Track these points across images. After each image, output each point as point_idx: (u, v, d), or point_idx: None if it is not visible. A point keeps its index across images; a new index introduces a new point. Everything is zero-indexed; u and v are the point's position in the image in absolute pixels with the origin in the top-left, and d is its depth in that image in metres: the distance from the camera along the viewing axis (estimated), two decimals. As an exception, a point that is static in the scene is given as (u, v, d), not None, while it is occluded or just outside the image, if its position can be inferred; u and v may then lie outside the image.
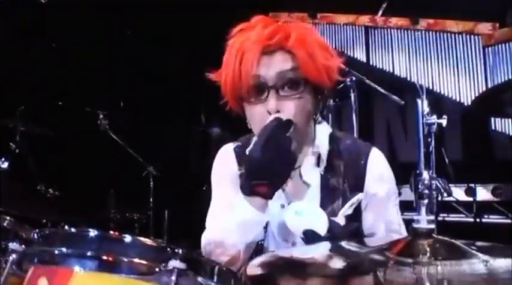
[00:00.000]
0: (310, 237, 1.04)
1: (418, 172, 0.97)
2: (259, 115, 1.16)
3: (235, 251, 1.14)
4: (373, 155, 1.28)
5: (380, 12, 2.84)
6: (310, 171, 1.25)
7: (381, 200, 1.26)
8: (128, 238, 1.06)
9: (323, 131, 1.29)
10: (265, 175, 1.09)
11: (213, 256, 1.17)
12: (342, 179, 1.24)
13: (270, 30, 1.14)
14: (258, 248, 1.19)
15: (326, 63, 1.16)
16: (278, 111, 1.13)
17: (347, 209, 1.12)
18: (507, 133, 2.74)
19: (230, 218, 1.15)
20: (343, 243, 0.95)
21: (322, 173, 1.24)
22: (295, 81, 1.15)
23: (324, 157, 1.25)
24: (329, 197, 1.22)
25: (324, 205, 1.20)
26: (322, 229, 1.06)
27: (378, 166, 1.28)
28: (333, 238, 1.05)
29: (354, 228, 1.13)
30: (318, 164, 1.25)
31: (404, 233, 1.26)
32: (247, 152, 1.12)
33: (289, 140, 1.10)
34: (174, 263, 1.02)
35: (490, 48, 2.79)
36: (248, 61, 1.13)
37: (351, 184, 1.23)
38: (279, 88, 1.15)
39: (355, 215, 1.21)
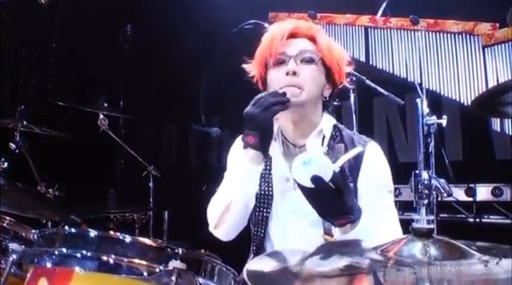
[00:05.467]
0: (317, 183, 1.09)
1: (418, 172, 0.97)
2: (278, 77, 1.38)
3: (229, 200, 1.35)
4: (371, 145, 1.42)
5: (380, 13, 2.84)
6: (314, 149, 1.38)
7: (375, 186, 1.34)
8: (127, 239, 1.06)
9: (328, 119, 1.48)
10: (252, 127, 1.29)
11: (213, 215, 1.38)
12: None
13: (298, 22, 1.44)
14: (262, 220, 1.40)
15: (340, 60, 1.43)
16: (295, 73, 1.35)
17: (344, 161, 1.16)
18: (507, 133, 2.74)
19: (230, 174, 1.41)
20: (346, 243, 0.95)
21: (325, 152, 1.37)
22: (312, 59, 1.39)
23: (327, 137, 1.41)
24: None
25: None
26: (328, 175, 1.10)
27: (374, 154, 1.41)
28: (335, 188, 1.11)
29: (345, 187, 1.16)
30: (322, 144, 1.40)
31: (397, 224, 1.35)
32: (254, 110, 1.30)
33: (272, 101, 1.29)
34: (174, 264, 1.03)
35: (490, 48, 2.79)
36: (277, 39, 1.38)
37: (350, 164, 1.34)
38: (298, 59, 1.37)
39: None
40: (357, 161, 1.36)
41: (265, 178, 1.42)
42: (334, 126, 1.46)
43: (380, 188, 1.36)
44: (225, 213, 1.37)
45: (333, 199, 1.11)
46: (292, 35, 1.39)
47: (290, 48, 1.38)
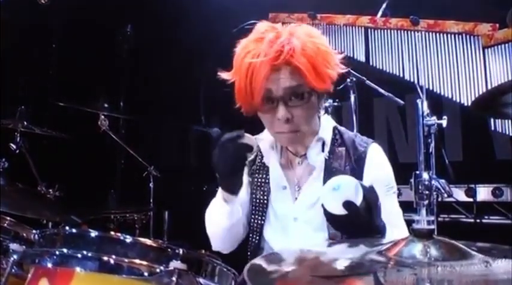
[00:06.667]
0: (349, 208, 1.08)
1: (418, 172, 0.97)
2: (271, 122, 1.32)
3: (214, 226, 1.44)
4: (373, 146, 1.41)
5: (380, 13, 2.84)
6: (315, 156, 1.39)
7: (380, 188, 1.30)
8: (128, 239, 1.06)
9: (327, 122, 1.45)
10: (217, 172, 1.33)
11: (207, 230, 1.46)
12: (343, 162, 1.38)
13: (276, 49, 1.23)
14: (256, 227, 1.43)
15: (328, 72, 1.28)
16: (288, 119, 1.27)
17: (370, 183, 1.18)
18: (507, 133, 2.74)
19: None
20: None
21: (326, 158, 1.38)
22: (301, 93, 1.27)
23: (328, 143, 1.40)
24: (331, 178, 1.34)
25: None
26: (359, 198, 1.09)
27: (377, 156, 1.40)
28: (367, 209, 1.11)
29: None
30: (322, 150, 1.39)
31: (403, 224, 1.36)
32: (213, 160, 1.33)
33: (237, 157, 1.30)
34: (175, 264, 1.03)
35: (490, 49, 2.79)
36: (258, 80, 1.23)
37: (351, 167, 1.36)
38: (287, 100, 1.27)
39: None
40: (359, 163, 1.36)
41: (261, 186, 1.44)
42: (334, 129, 1.44)
43: (385, 190, 1.35)
44: (213, 238, 1.47)
45: (364, 222, 1.11)
46: (273, 67, 1.23)
47: (273, 84, 1.25)
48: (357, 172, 1.35)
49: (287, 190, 1.41)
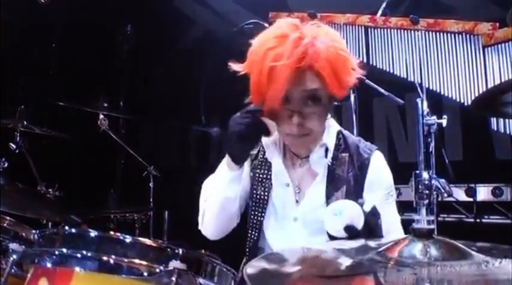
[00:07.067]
0: (350, 233, 1.10)
1: (418, 172, 0.97)
2: (282, 121, 1.30)
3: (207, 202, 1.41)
4: (376, 153, 1.41)
5: (380, 12, 2.83)
6: (318, 161, 1.38)
7: (380, 195, 1.35)
8: (128, 239, 1.06)
9: (332, 127, 1.43)
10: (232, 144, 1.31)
11: (199, 213, 1.43)
12: (346, 169, 1.37)
13: (300, 51, 1.20)
14: (256, 223, 1.42)
15: (347, 79, 1.26)
16: (301, 124, 1.27)
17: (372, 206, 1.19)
18: (507, 133, 2.73)
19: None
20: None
21: (329, 163, 1.37)
22: (319, 98, 1.26)
23: (331, 149, 1.38)
24: (333, 185, 1.36)
25: (328, 192, 1.35)
26: (360, 222, 1.12)
27: (379, 163, 1.40)
28: (368, 230, 1.13)
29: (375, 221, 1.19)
30: (325, 156, 1.38)
31: (401, 231, 1.37)
32: (230, 123, 1.30)
33: (258, 134, 1.31)
34: (175, 264, 1.03)
35: (490, 48, 2.78)
36: (279, 82, 1.20)
37: (354, 174, 1.36)
38: (303, 103, 1.26)
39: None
40: (362, 170, 1.37)
41: (263, 182, 1.43)
42: (338, 134, 1.43)
43: (384, 198, 1.37)
44: (204, 213, 1.43)
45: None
46: (295, 69, 1.21)
47: (292, 85, 1.23)
48: (359, 178, 1.36)
49: (290, 187, 1.40)
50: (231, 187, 1.38)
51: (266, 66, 1.21)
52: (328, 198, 1.34)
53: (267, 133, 1.31)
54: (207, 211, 1.42)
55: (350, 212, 1.12)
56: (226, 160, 1.37)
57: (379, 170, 1.39)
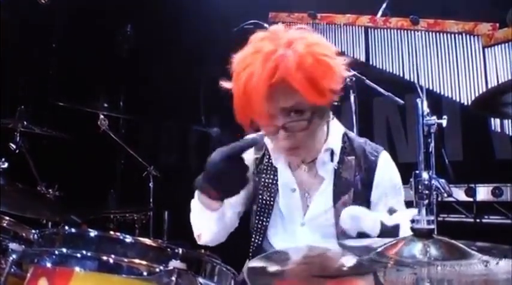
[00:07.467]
0: (362, 236, 1.14)
1: (418, 172, 0.97)
2: (271, 136, 1.29)
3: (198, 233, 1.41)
4: (383, 155, 1.39)
5: (380, 13, 2.83)
6: (324, 166, 1.36)
7: (390, 200, 1.33)
8: (128, 239, 1.06)
9: (336, 129, 1.41)
10: (218, 184, 1.23)
11: (193, 227, 1.43)
12: (353, 173, 1.35)
13: (271, 66, 1.15)
14: (260, 228, 1.41)
15: (329, 85, 1.20)
16: (288, 136, 1.24)
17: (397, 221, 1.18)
18: (507, 133, 2.73)
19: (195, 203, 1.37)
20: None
21: (335, 168, 1.35)
22: (301, 110, 1.22)
23: (337, 152, 1.36)
24: (341, 190, 1.34)
25: (335, 196, 1.33)
26: (375, 232, 1.13)
27: (388, 166, 1.38)
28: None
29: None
30: (331, 160, 1.35)
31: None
32: (209, 159, 1.24)
33: (246, 168, 1.23)
34: (174, 263, 1.02)
35: (490, 49, 2.78)
36: (256, 101, 1.17)
37: (362, 177, 1.34)
38: (286, 117, 1.22)
39: None
40: (369, 173, 1.35)
41: (269, 187, 1.41)
42: (343, 136, 1.40)
43: (394, 199, 1.35)
44: (199, 237, 1.43)
45: None
46: (268, 87, 1.16)
47: (272, 104, 1.20)
48: (367, 181, 1.35)
49: (296, 192, 1.39)
50: (220, 220, 1.37)
51: (241, 85, 1.19)
52: (336, 202, 1.33)
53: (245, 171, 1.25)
54: (204, 238, 1.42)
55: (366, 221, 1.14)
56: (204, 201, 1.32)
57: (386, 172, 1.37)
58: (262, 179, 1.43)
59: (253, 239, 1.44)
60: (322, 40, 1.26)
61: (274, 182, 1.41)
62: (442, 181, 1.95)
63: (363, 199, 1.32)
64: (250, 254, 1.45)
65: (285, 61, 1.15)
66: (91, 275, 1.04)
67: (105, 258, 1.03)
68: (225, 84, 1.29)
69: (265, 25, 1.90)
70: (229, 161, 1.21)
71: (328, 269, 0.85)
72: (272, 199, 1.41)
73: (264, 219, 1.41)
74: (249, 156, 1.43)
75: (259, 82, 1.15)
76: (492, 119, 2.71)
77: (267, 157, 1.44)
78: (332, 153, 1.36)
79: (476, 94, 2.79)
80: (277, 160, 1.42)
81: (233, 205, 1.40)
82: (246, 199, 1.45)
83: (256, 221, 1.43)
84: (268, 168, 1.43)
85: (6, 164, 2.36)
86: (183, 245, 1.08)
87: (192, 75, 3.93)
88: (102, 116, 3.09)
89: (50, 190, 2.81)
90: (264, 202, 1.42)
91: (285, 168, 1.41)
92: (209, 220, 1.36)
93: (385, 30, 3.17)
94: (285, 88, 1.17)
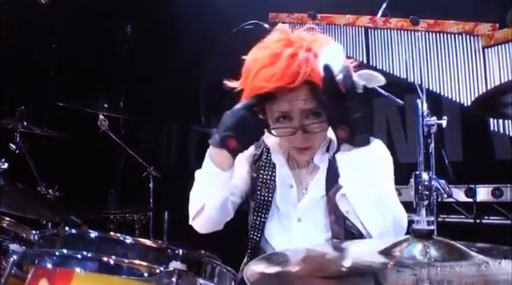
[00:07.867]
0: (327, 71, 1.12)
1: (418, 173, 0.97)
2: (284, 136, 1.31)
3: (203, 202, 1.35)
4: (377, 142, 1.36)
5: (380, 13, 2.83)
6: (320, 156, 1.39)
7: (382, 176, 1.31)
8: (128, 239, 1.06)
9: None
10: (239, 131, 1.24)
11: (191, 209, 1.41)
12: None
13: (294, 70, 1.18)
14: (258, 224, 1.41)
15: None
16: (304, 138, 1.27)
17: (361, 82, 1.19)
18: (507, 133, 2.73)
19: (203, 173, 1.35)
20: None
21: (330, 158, 1.37)
22: (318, 112, 1.26)
23: (334, 144, 1.36)
24: (334, 178, 1.33)
25: (328, 184, 1.35)
26: (338, 70, 1.12)
27: (381, 150, 1.37)
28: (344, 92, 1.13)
29: None
30: (327, 150, 1.39)
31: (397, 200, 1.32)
32: (225, 114, 1.27)
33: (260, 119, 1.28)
34: (175, 264, 1.03)
35: (490, 49, 2.78)
36: (273, 103, 1.25)
37: None
38: (304, 119, 1.26)
39: None
40: None
41: (267, 184, 1.43)
42: None
43: (386, 178, 1.34)
44: (199, 212, 1.38)
45: (337, 100, 1.13)
46: (289, 89, 1.21)
47: (291, 107, 1.25)
48: None
49: (293, 189, 1.40)
50: (227, 187, 1.34)
51: (259, 87, 1.22)
52: (328, 190, 1.35)
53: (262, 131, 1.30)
54: (205, 212, 1.37)
55: (331, 53, 1.15)
56: (217, 161, 1.29)
57: (380, 156, 1.35)
58: (261, 176, 1.44)
59: (251, 236, 1.45)
60: (332, 42, 1.29)
61: (273, 178, 1.43)
62: (442, 181, 1.96)
63: None
64: (249, 251, 1.45)
65: (308, 65, 1.19)
66: (91, 276, 1.04)
67: (105, 259, 1.03)
68: (230, 84, 1.32)
69: (266, 26, 1.90)
70: (247, 110, 1.24)
71: (328, 269, 0.85)
72: (270, 195, 1.42)
73: (262, 215, 1.42)
74: (248, 152, 1.43)
75: (280, 83, 1.19)
76: (492, 119, 2.71)
77: (266, 153, 1.46)
78: (329, 145, 1.39)
79: (476, 95, 2.79)
80: (276, 156, 1.43)
81: (233, 193, 1.41)
82: (244, 192, 1.46)
83: (254, 218, 1.44)
84: (267, 165, 1.45)
85: (6, 165, 2.36)
86: (183, 245, 1.08)
87: (192, 75, 3.93)
88: (102, 116, 3.09)
89: (50, 191, 2.81)
90: (262, 198, 1.43)
91: (283, 165, 1.42)
92: (217, 185, 1.32)
93: (385, 30, 3.17)
94: (307, 90, 1.22)
